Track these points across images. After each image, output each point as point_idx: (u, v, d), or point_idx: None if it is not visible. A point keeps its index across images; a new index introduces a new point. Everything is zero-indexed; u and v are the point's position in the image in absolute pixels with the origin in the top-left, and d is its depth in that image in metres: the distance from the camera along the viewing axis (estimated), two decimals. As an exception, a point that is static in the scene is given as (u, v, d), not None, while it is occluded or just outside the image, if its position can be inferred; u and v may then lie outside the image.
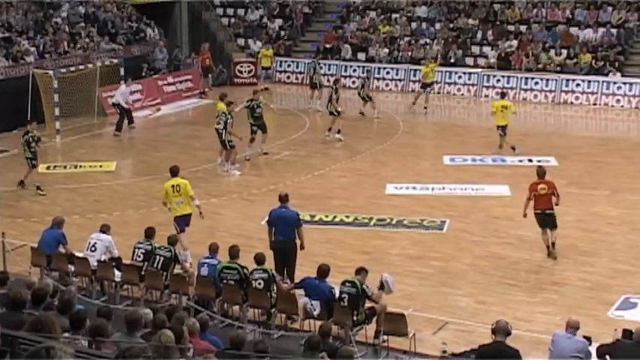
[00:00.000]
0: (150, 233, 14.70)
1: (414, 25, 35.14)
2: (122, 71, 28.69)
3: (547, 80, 30.92)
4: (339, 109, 25.36)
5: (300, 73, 34.40)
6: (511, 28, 33.52)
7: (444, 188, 20.78)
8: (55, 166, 23.11)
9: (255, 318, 13.63)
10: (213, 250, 14.18)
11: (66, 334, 8.02)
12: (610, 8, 32.90)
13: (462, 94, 31.63)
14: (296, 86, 33.97)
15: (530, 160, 22.53)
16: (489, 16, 34.35)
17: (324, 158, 23.66)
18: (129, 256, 14.68)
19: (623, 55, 31.15)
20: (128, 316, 8.94)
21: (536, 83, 31.07)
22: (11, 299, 8.89)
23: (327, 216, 18.84)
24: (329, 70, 33.55)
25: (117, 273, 14.59)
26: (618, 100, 29.93)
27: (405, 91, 32.82)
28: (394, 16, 35.78)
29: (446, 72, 32.13)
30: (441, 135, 26.84)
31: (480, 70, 32.09)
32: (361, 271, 12.95)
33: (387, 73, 33.31)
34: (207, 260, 14.04)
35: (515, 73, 31.55)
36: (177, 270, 14.35)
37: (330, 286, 13.01)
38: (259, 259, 13.47)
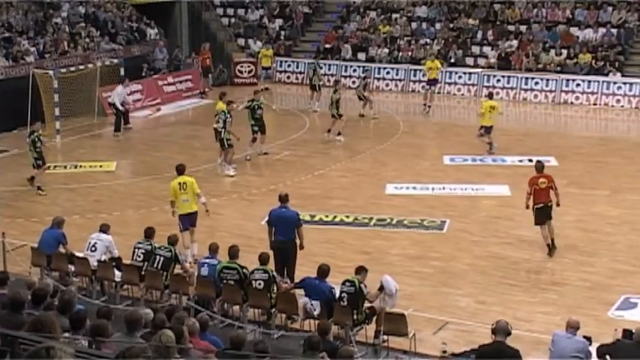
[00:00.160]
0: (150, 233, 14.71)
1: (414, 25, 35.15)
2: (122, 71, 28.69)
3: (547, 80, 30.91)
4: (341, 112, 25.29)
5: (301, 73, 34.40)
6: (511, 28, 33.52)
7: (444, 188, 20.78)
8: (55, 166, 23.08)
9: (255, 318, 13.64)
10: (213, 250, 14.19)
11: (66, 334, 8.02)
12: (610, 8, 32.90)
13: (462, 94, 31.63)
14: (296, 86, 33.97)
15: (530, 160, 22.42)
16: (489, 16, 34.35)
17: (324, 158, 23.66)
18: (129, 256, 14.68)
19: (623, 55, 31.15)
20: (128, 316, 8.95)
21: (537, 83, 31.07)
22: (10, 300, 8.89)
23: (327, 216, 18.84)
24: (329, 70, 33.55)
25: (117, 273, 14.59)
26: (618, 100, 29.93)
27: (405, 91, 32.83)
28: (394, 16, 35.78)
29: (446, 72, 32.11)
30: (441, 135, 26.84)
31: (480, 70, 32.09)
32: (361, 270, 12.96)
33: (387, 73, 33.30)
34: (207, 260, 14.05)
35: (516, 73, 31.55)
36: (177, 270, 14.35)
37: (330, 286, 13.02)
38: (263, 260, 13.47)
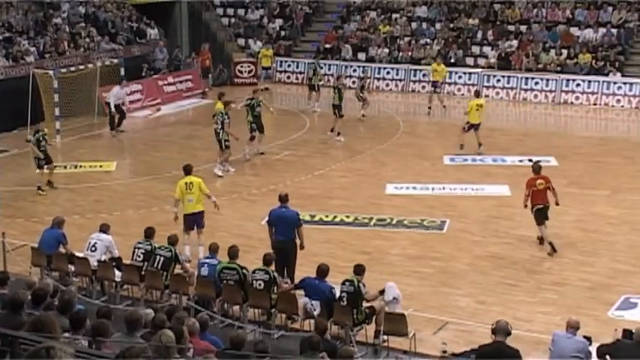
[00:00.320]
0: (150, 233, 14.71)
1: (414, 25, 35.15)
2: (122, 71, 28.69)
3: (547, 80, 30.92)
4: (342, 112, 25.28)
5: (301, 73, 34.39)
6: (511, 28, 33.52)
7: (444, 188, 20.78)
8: (55, 166, 23.05)
9: (255, 318, 13.63)
10: (214, 250, 14.20)
11: (66, 334, 8.02)
12: (610, 8, 32.90)
13: (462, 94, 31.61)
14: (296, 86, 33.96)
15: (530, 160, 22.41)
16: (489, 16, 34.36)
17: (324, 158, 23.67)
18: (129, 256, 14.68)
19: (623, 55, 31.15)
20: (128, 316, 8.95)
21: (537, 83, 31.07)
22: (9, 300, 8.89)
23: (327, 216, 18.84)
24: (329, 70, 33.56)
25: (117, 273, 14.59)
26: (618, 100, 29.93)
27: (405, 91, 32.84)
28: (394, 16, 35.79)
29: (446, 72, 32.09)
30: (441, 135, 26.82)
31: (480, 70, 32.10)
32: (360, 270, 12.94)
33: (387, 73, 33.31)
34: (207, 260, 14.06)
35: (516, 73, 31.56)
36: (177, 270, 14.35)
37: (330, 286, 13.02)
38: (266, 261, 13.44)
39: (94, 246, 14.89)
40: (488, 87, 31.59)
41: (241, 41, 36.96)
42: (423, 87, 32.68)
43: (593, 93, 30.29)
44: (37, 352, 4.94)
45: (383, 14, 36.00)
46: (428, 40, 33.97)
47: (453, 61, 32.57)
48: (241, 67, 34.67)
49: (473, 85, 31.68)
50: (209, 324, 10.83)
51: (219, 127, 21.70)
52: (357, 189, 20.93)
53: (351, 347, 11.76)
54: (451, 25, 34.46)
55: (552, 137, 26.02)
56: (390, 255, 16.73)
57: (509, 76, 31.46)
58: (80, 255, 14.90)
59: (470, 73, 31.93)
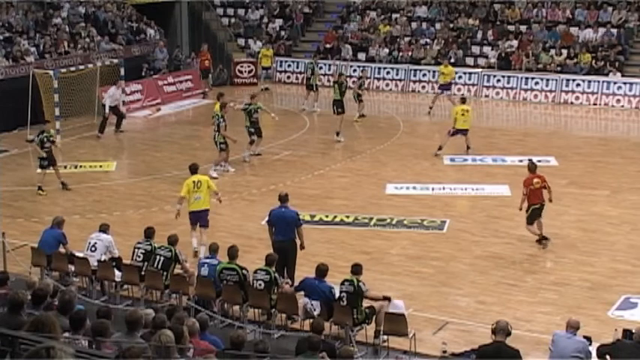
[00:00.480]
0: (150, 233, 14.70)
1: (414, 25, 35.16)
2: (122, 71, 28.69)
3: (547, 80, 30.93)
4: (342, 108, 25.24)
5: (301, 73, 34.36)
6: (511, 28, 33.52)
7: (444, 188, 20.79)
8: (51, 167, 23.06)
9: (255, 318, 13.63)
10: (214, 250, 14.20)
11: (66, 334, 8.03)
12: (610, 8, 32.91)
13: (463, 94, 31.56)
14: (296, 86, 33.95)
15: (530, 160, 22.49)
16: (489, 16, 34.36)
17: (324, 158, 23.67)
18: (129, 256, 14.68)
19: (623, 55, 31.15)
20: (128, 316, 8.95)
21: (537, 83, 31.08)
22: (9, 301, 8.90)
23: (327, 216, 18.84)
24: (329, 70, 33.57)
25: (117, 273, 14.59)
26: (618, 100, 29.93)
27: (405, 91, 32.84)
28: (394, 16, 35.80)
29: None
30: (442, 135, 26.76)
31: (480, 70, 32.11)
32: (358, 269, 12.92)
33: (387, 73, 33.32)
34: (207, 260, 14.06)
35: (515, 73, 31.57)
36: (177, 270, 14.35)
37: (330, 286, 13.01)
38: (268, 261, 13.42)
39: (93, 246, 14.88)
40: (488, 87, 31.61)
41: (241, 41, 36.96)
42: (423, 87, 32.72)
43: (593, 93, 30.29)
44: (37, 352, 4.94)
45: (383, 14, 36.01)
46: (428, 40, 33.98)
47: (453, 61, 32.53)
48: (241, 67, 34.67)
49: (473, 85, 31.72)
50: (209, 324, 10.83)
51: (215, 128, 21.75)
52: (357, 189, 20.93)
53: (351, 347, 11.75)
54: (451, 25, 34.47)
55: (552, 137, 26.02)
56: (390, 255, 16.73)
57: (509, 76, 31.47)
58: (80, 255, 14.90)
59: (470, 73, 31.93)
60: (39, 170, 21.03)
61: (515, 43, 32.55)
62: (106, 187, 21.58)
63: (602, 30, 32.11)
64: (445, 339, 12.58)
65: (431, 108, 29.24)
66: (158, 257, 14.22)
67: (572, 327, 11.04)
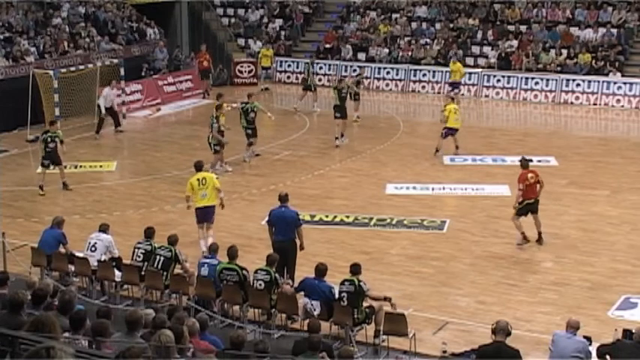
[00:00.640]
0: (150, 233, 14.70)
1: (414, 25, 35.16)
2: (122, 71, 28.70)
3: (547, 80, 30.93)
4: (341, 113, 25.00)
5: (300, 73, 34.32)
6: (511, 28, 33.53)
7: (444, 188, 20.79)
8: (54, 167, 23.07)
9: (255, 318, 13.63)
10: (214, 250, 14.21)
11: (66, 334, 8.03)
12: (610, 8, 32.91)
13: (462, 94, 31.58)
14: (296, 86, 33.84)
15: (530, 160, 22.46)
16: (489, 16, 34.36)
17: (324, 158, 23.67)
18: (129, 256, 14.68)
19: (623, 55, 31.16)
20: (128, 316, 8.95)
21: (537, 83, 31.08)
22: (9, 301, 8.90)
23: (327, 216, 18.84)
24: (329, 70, 33.56)
25: (117, 273, 14.59)
26: (618, 100, 29.94)
27: (405, 91, 32.84)
28: (394, 16, 35.80)
29: (446, 72, 32.14)
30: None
31: (480, 70, 32.10)
32: (357, 269, 12.92)
33: (387, 73, 33.32)
34: (207, 260, 14.06)
35: (515, 73, 31.57)
36: (177, 270, 14.35)
37: (330, 286, 13.02)
38: (269, 261, 13.42)
39: (93, 246, 14.88)
40: (488, 87, 31.61)
41: (241, 41, 36.96)
42: (423, 87, 32.73)
43: (593, 93, 30.30)
44: (37, 352, 4.94)
45: (383, 14, 36.01)
46: (428, 40, 33.98)
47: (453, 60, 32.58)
48: (241, 67, 34.66)
49: (473, 85, 31.72)
50: (209, 324, 10.83)
51: (209, 130, 21.79)
52: (357, 189, 20.93)
53: (351, 347, 11.75)
54: (451, 25, 34.47)
55: (552, 137, 26.02)
56: (390, 255, 16.73)
57: (509, 76, 31.47)
58: (80, 255, 14.89)
59: (470, 73, 31.90)
60: (40, 169, 21.03)
61: (515, 43, 32.55)
62: (106, 187, 21.59)
63: (602, 30, 32.11)
64: (445, 339, 12.58)
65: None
66: (158, 257, 14.22)
67: (572, 327, 11.04)
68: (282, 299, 13.26)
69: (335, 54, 34.61)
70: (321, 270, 13.05)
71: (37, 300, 9.60)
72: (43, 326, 6.62)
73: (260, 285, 13.28)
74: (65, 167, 21.32)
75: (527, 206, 16.86)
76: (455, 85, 29.77)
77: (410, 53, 33.60)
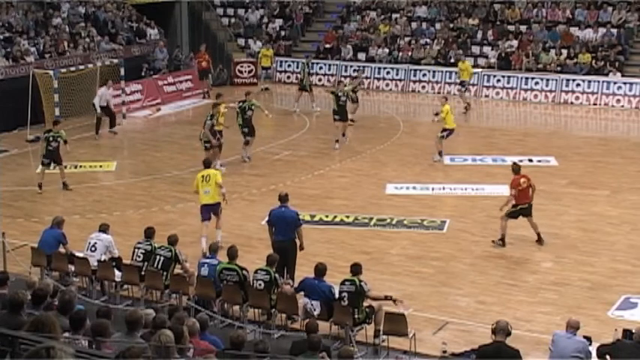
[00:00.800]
0: (150, 233, 14.70)
1: (414, 25, 35.16)
2: (122, 71, 28.70)
3: (547, 80, 30.93)
4: (339, 117, 24.84)
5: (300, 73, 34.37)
6: (511, 28, 33.53)
7: (444, 188, 20.79)
8: (55, 166, 23.07)
9: (255, 318, 13.63)
10: (214, 250, 14.21)
11: (66, 334, 8.03)
12: (610, 8, 32.91)
13: (444, 94, 31.55)
14: (296, 86, 33.79)
15: (530, 160, 22.53)
16: (489, 16, 34.36)
17: (324, 158, 23.66)
18: (129, 256, 14.68)
19: (623, 55, 31.16)
20: (128, 316, 8.95)
21: (537, 83, 31.08)
22: (9, 301, 8.89)
23: (327, 216, 18.84)
24: (329, 70, 33.55)
25: (117, 273, 14.58)
26: (618, 100, 29.94)
27: (405, 91, 32.84)
28: (394, 16, 35.80)
29: (446, 72, 32.18)
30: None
31: (480, 70, 32.09)
32: (358, 269, 12.92)
33: (387, 73, 33.32)
34: (207, 260, 14.06)
35: (515, 73, 31.57)
36: (177, 270, 14.35)
37: (330, 285, 13.01)
38: (269, 261, 13.41)
39: (93, 246, 14.88)
40: (488, 87, 31.61)
41: (241, 41, 36.96)
42: (423, 87, 32.74)
43: (593, 93, 30.30)
44: (37, 352, 4.94)
45: (383, 14, 36.00)
46: (428, 40, 33.98)
47: (453, 61, 32.58)
48: (241, 67, 34.66)
49: (473, 85, 31.69)
50: (209, 324, 10.83)
51: (202, 127, 21.84)
52: (357, 189, 20.93)
53: (351, 347, 11.75)
54: (451, 25, 34.47)
55: (552, 137, 26.02)
56: (390, 255, 16.73)
57: (509, 76, 31.48)
58: (80, 255, 14.89)
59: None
60: (39, 168, 21.03)
61: (515, 43, 32.55)
62: (106, 187, 21.59)
63: (602, 30, 32.11)
64: (445, 339, 12.59)
65: (465, 107, 29.11)
66: (158, 257, 14.22)
67: (572, 327, 11.04)
68: (282, 299, 13.26)
69: (335, 54, 34.61)
70: (320, 270, 13.05)
71: (37, 300, 9.60)
72: (43, 326, 6.62)
73: (260, 285, 13.28)
74: (65, 167, 21.33)
75: (521, 210, 16.88)
76: (462, 84, 29.78)
77: (410, 53, 33.59)
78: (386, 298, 12.90)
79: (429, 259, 16.51)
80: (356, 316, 12.64)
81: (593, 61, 30.93)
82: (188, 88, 32.34)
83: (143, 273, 14.30)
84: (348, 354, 9.90)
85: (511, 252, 16.76)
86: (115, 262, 14.79)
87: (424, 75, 32.71)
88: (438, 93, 31.40)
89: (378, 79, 33.30)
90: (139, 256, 14.42)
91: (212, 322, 12.12)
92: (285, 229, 14.76)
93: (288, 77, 34.86)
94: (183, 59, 33.97)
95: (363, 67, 32.57)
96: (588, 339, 11.18)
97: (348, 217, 18.81)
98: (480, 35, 33.82)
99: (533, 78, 31.14)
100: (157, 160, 23.94)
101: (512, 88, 31.27)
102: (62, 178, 21.04)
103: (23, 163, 23.43)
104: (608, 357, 10.86)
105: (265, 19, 37.64)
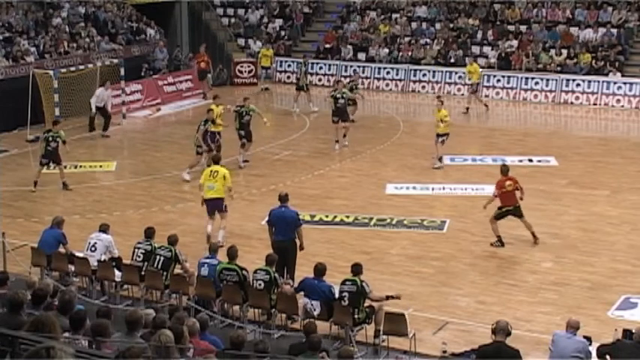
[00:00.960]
0: (150, 233, 14.70)
1: (414, 25, 35.16)
2: (122, 71, 28.69)
3: (547, 80, 30.93)
4: (339, 118, 24.78)
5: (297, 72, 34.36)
6: (511, 28, 33.52)
7: (444, 188, 20.79)
8: (55, 166, 23.08)
9: (255, 318, 13.63)
10: (214, 250, 14.21)
11: (66, 334, 8.03)
12: (610, 8, 32.91)
13: (462, 94, 31.61)
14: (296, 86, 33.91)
15: (530, 160, 22.54)
16: (489, 16, 34.36)
17: (324, 158, 23.66)
18: (129, 256, 14.67)
19: (623, 55, 31.15)
20: (128, 316, 8.95)
21: (537, 83, 31.08)
22: (9, 301, 8.89)
23: (327, 216, 18.84)
24: (329, 70, 33.54)
25: (117, 273, 14.58)
26: (618, 100, 29.93)
27: (405, 91, 32.84)
28: (394, 16, 35.80)
29: (446, 72, 32.17)
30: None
31: (480, 70, 32.05)
32: (359, 269, 12.92)
33: (387, 73, 33.31)
34: (207, 260, 14.05)
35: (515, 73, 31.57)
36: (177, 270, 14.35)
37: (330, 285, 13.01)
38: (268, 261, 13.41)
39: (93, 246, 14.88)
40: (488, 87, 31.60)
41: (241, 41, 36.95)
42: (423, 87, 32.74)
43: (593, 93, 30.29)
44: (37, 352, 4.94)
45: (383, 14, 36.00)
46: (428, 40, 33.98)
47: (453, 61, 32.60)
48: (241, 67, 34.65)
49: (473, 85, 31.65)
50: (209, 324, 10.83)
51: (196, 131, 21.81)
52: (357, 189, 20.93)
53: (351, 347, 11.75)
54: (451, 25, 34.47)
55: (552, 137, 26.02)
56: (390, 255, 16.73)
57: (509, 76, 31.47)
58: (80, 255, 14.89)
59: (470, 73, 31.88)
60: (37, 168, 21.01)
61: (515, 43, 32.55)
62: (106, 187, 21.59)
63: (602, 30, 32.11)
64: (445, 339, 12.59)
65: (466, 108, 29.16)
66: (158, 257, 14.22)
67: (572, 327, 11.04)
68: (282, 299, 13.26)
69: (335, 54, 34.61)
70: (320, 270, 13.04)
71: (37, 300, 9.60)
72: (43, 326, 6.62)
73: (260, 285, 13.28)
74: (65, 167, 21.33)
75: (507, 212, 16.87)
76: (472, 86, 29.74)
77: (410, 53, 33.59)
78: (387, 298, 12.91)
79: (429, 259, 16.51)
80: (356, 316, 12.64)
81: (593, 61, 30.93)
82: (188, 88, 32.34)
83: (143, 273, 14.30)
84: (348, 354, 9.90)
85: (511, 252, 16.76)
86: (115, 262, 14.79)
87: (424, 75, 32.71)
88: (438, 95, 31.32)
89: (378, 79, 33.30)
90: (139, 256, 14.42)
91: (212, 322, 12.12)
92: (285, 229, 14.76)
93: (288, 77, 34.84)
94: (183, 59, 33.97)
95: (363, 67, 32.54)
96: (588, 339, 11.18)
97: (348, 217, 18.81)
98: (480, 35, 33.82)
99: (533, 78, 31.14)
100: (157, 160, 23.94)
101: (512, 88, 31.27)
102: (62, 178, 21.04)
103: (23, 163, 23.43)
104: (608, 357, 10.86)
105: (265, 19, 37.64)
